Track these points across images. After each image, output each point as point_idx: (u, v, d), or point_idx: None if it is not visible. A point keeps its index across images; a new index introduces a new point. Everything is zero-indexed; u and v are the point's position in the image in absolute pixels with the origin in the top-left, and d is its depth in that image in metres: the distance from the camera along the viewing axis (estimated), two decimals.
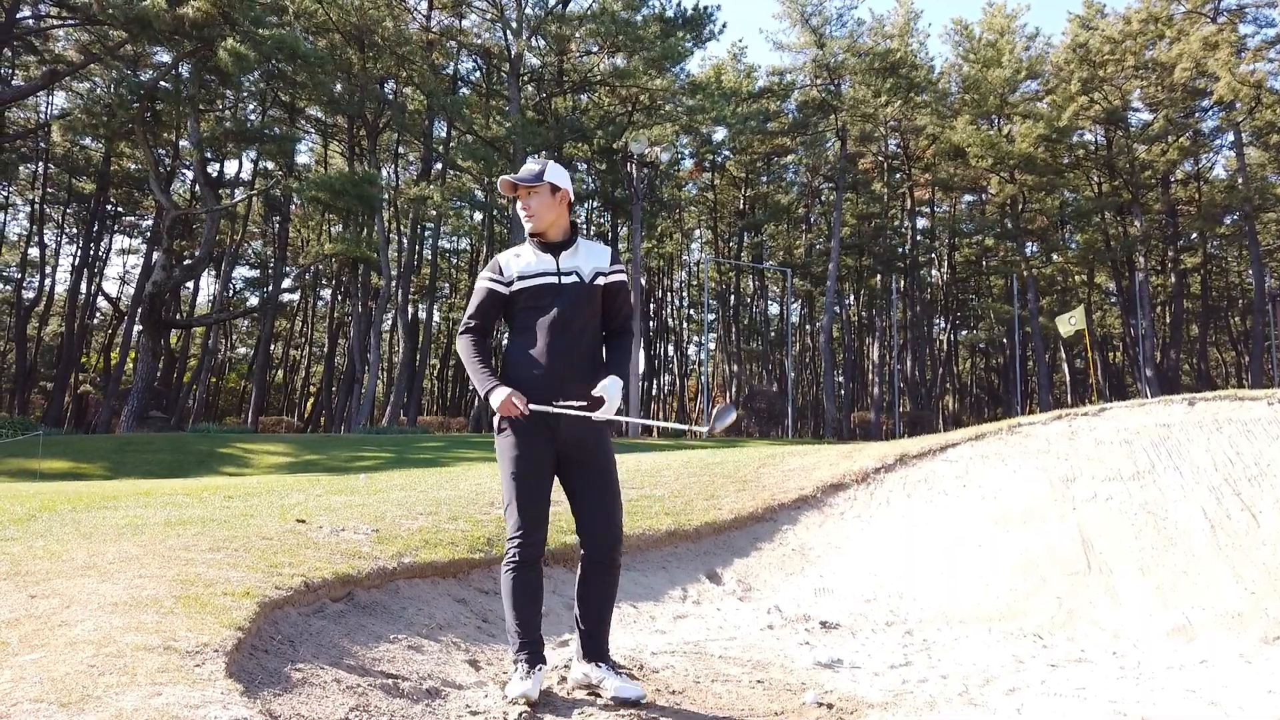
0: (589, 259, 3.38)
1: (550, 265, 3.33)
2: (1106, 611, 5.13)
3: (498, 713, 2.98)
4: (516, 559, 3.24)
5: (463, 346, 3.35)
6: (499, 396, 3.19)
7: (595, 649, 3.30)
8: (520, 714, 2.96)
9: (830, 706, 3.42)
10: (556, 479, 3.37)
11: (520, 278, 3.33)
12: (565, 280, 3.31)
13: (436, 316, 52.50)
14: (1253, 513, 5.71)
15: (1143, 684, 3.92)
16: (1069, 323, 23.43)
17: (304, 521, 5.17)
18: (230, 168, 43.17)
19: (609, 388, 3.21)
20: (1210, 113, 40.89)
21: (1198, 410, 6.93)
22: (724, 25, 56.30)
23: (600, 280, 3.35)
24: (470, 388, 49.89)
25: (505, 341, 3.47)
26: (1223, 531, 5.60)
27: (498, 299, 3.35)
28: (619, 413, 3.25)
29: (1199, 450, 6.43)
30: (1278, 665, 4.21)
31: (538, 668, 3.22)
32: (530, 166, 3.37)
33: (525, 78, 37.06)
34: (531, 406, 3.21)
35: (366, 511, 5.72)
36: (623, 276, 3.45)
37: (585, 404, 3.26)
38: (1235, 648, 4.54)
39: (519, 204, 3.38)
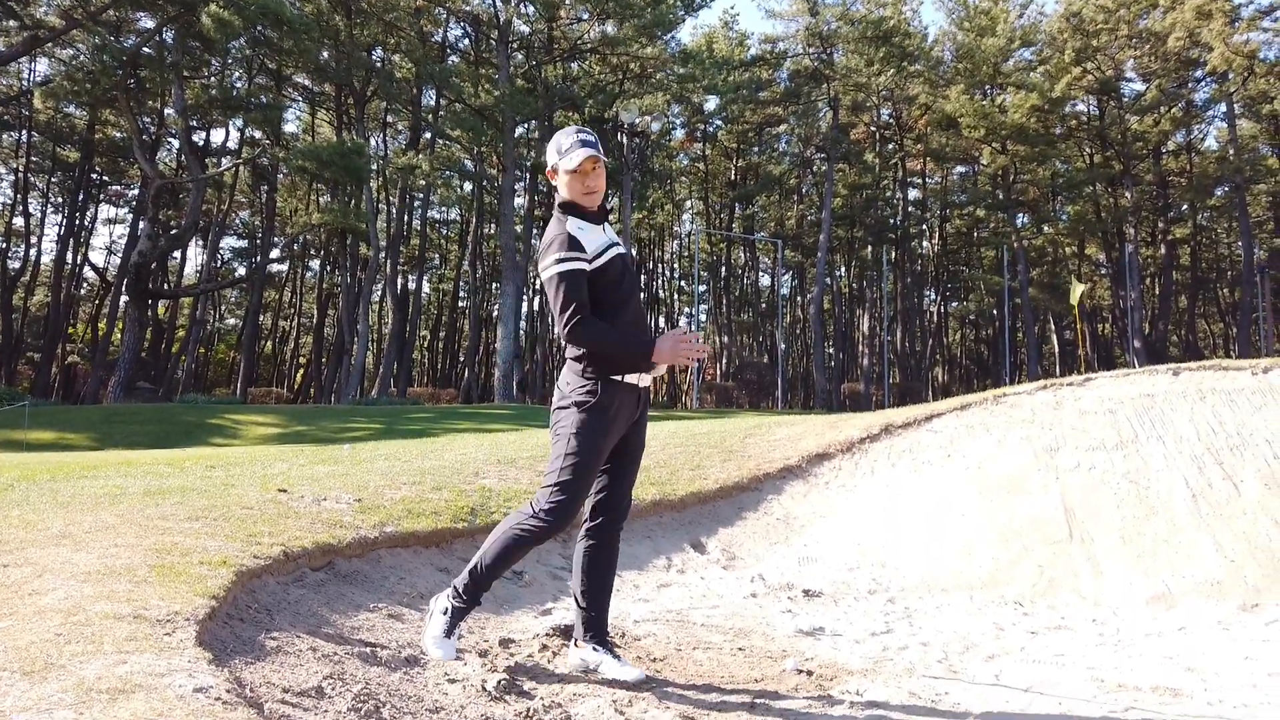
0: (611, 228, 3.28)
1: (605, 237, 3.16)
2: (1087, 580, 5.16)
3: (476, 680, 2.97)
4: (540, 533, 3.11)
5: (594, 334, 3.02)
6: (667, 343, 3.01)
7: (596, 629, 3.25)
8: (498, 681, 2.95)
9: (810, 674, 3.43)
10: None
11: (595, 254, 3.08)
12: (621, 250, 3.20)
13: (426, 287, 52.28)
14: (1234, 482, 5.74)
15: (1121, 651, 3.95)
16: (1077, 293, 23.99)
17: (285, 491, 5.14)
18: (216, 136, 42.77)
19: None
20: (1203, 83, 40.74)
21: (1182, 380, 6.94)
22: None
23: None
24: (461, 360, 49.79)
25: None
26: (1204, 500, 5.63)
27: (587, 278, 3.06)
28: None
29: (1182, 420, 6.45)
30: (1255, 632, 4.24)
31: (458, 632, 3.32)
32: (588, 138, 3.12)
33: (514, 45, 36.61)
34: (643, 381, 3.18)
35: (349, 481, 5.70)
36: None
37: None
38: (1214, 615, 4.58)
39: (583, 179, 3.10)
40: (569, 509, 3.08)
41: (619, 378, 3.10)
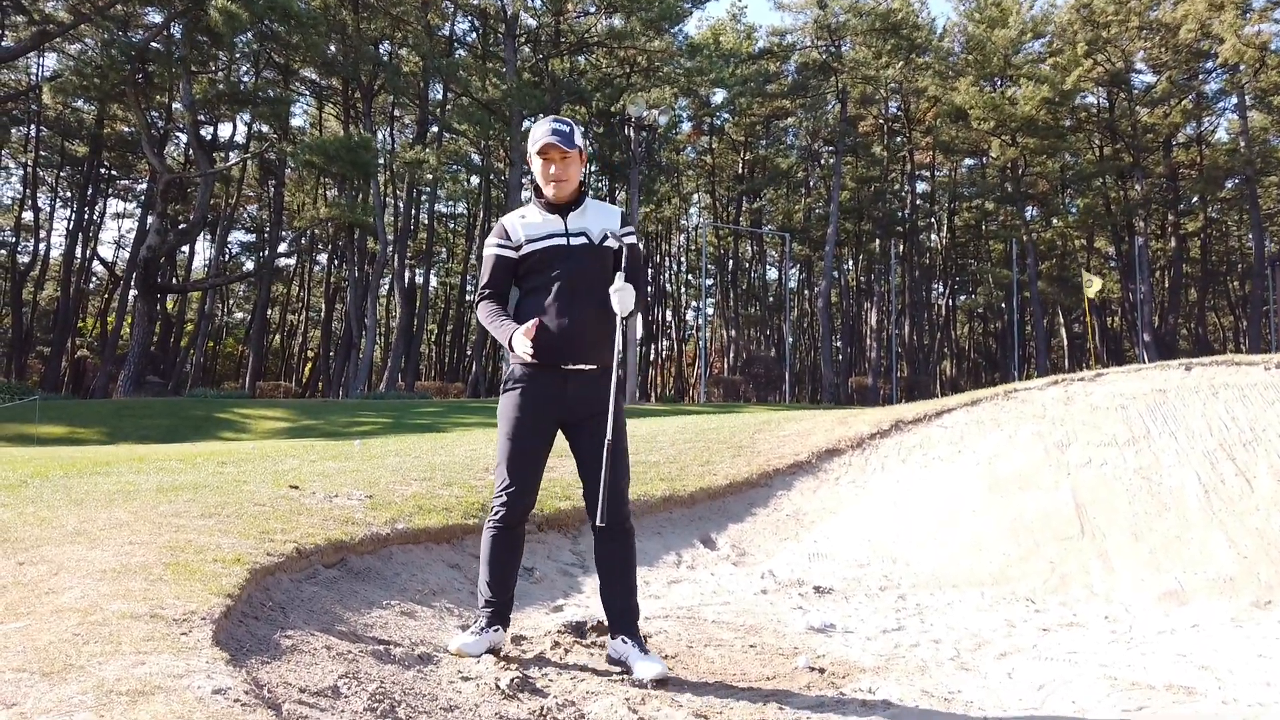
0: (598, 219, 3.32)
1: (558, 226, 3.28)
2: (1099, 576, 5.14)
3: (489, 678, 2.98)
4: (499, 521, 3.27)
5: (482, 312, 3.32)
6: (519, 338, 3.11)
7: (620, 623, 3.28)
8: (511, 679, 2.96)
9: (822, 671, 3.43)
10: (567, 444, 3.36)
11: (529, 240, 3.27)
12: (574, 241, 3.26)
13: (434, 281, 52.41)
14: (1247, 478, 5.71)
15: (1134, 648, 3.94)
16: (1090, 285, 23.80)
17: (297, 488, 5.16)
18: (224, 131, 42.81)
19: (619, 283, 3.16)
20: (1214, 75, 40.47)
21: (1194, 375, 6.91)
22: None
23: (610, 242, 3.29)
24: (469, 354, 49.86)
25: (515, 304, 3.40)
26: (1216, 497, 5.60)
27: (508, 264, 3.30)
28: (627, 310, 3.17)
29: (1194, 415, 6.42)
30: (1269, 629, 4.23)
31: (494, 628, 3.30)
32: (560, 128, 3.25)
33: (522, 39, 36.57)
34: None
35: (360, 477, 5.71)
36: (634, 239, 3.38)
37: (595, 367, 3.25)
38: (1227, 612, 4.56)
39: (547, 168, 3.25)
40: (505, 487, 3.24)
41: (531, 361, 3.19)
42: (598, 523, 3.21)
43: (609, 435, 3.13)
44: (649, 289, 3.51)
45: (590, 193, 3.44)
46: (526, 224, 3.30)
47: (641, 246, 3.52)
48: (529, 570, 4.71)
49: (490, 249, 3.32)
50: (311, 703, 2.33)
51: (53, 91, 33.30)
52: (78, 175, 41.87)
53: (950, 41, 44.27)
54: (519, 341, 3.11)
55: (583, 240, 3.27)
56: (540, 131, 3.26)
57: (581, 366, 3.22)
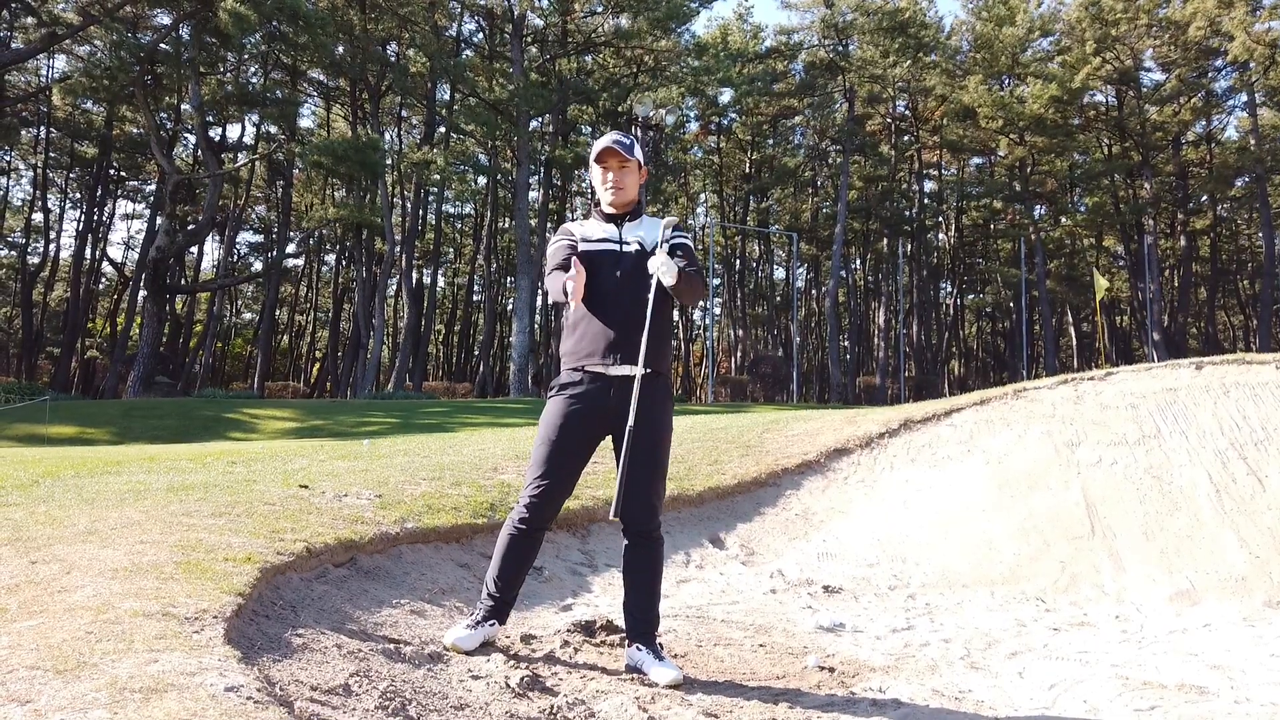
0: (652, 231, 3.40)
1: (613, 234, 3.37)
2: (1110, 576, 5.12)
3: (499, 677, 2.98)
4: (521, 523, 3.28)
5: (546, 281, 3.39)
6: (570, 283, 3.16)
7: (637, 630, 3.30)
8: (521, 678, 2.96)
9: (832, 670, 3.42)
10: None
11: (584, 240, 3.37)
12: (626, 249, 3.34)
13: (441, 281, 52.42)
14: (1258, 477, 5.69)
15: (1145, 648, 3.92)
16: (1099, 287, 23.66)
17: (307, 487, 5.17)
18: (232, 131, 42.97)
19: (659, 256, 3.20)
20: (1223, 72, 40.30)
21: (1205, 374, 6.88)
22: None
23: (663, 248, 3.35)
24: (476, 354, 49.92)
25: (568, 309, 3.44)
26: (1228, 496, 5.58)
27: (572, 250, 3.37)
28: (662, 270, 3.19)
29: (1205, 414, 6.39)
30: None
31: (489, 623, 3.33)
32: (621, 139, 3.36)
33: (529, 39, 36.59)
34: (588, 368, 3.25)
35: (369, 477, 5.72)
36: (685, 239, 3.44)
37: (646, 371, 3.26)
38: (1238, 612, 4.54)
39: (605, 174, 3.36)
40: (533, 492, 3.24)
41: (579, 366, 3.28)
42: (629, 527, 3.28)
43: (644, 433, 3.15)
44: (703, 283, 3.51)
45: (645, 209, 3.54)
46: (584, 229, 3.41)
47: (690, 243, 3.51)
48: (538, 570, 4.71)
49: (554, 244, 3.42)
50: (323, 700, 2.34)
51: (62, 93, 33.48)
52: (87, 176, 42.06)
53: (958, 40, 44.17)
54: (569, 285, 3.13)
55: (635, 248, 3.34)
56: (602, 141, 3.36)
57: (627, 371, 3.24)
